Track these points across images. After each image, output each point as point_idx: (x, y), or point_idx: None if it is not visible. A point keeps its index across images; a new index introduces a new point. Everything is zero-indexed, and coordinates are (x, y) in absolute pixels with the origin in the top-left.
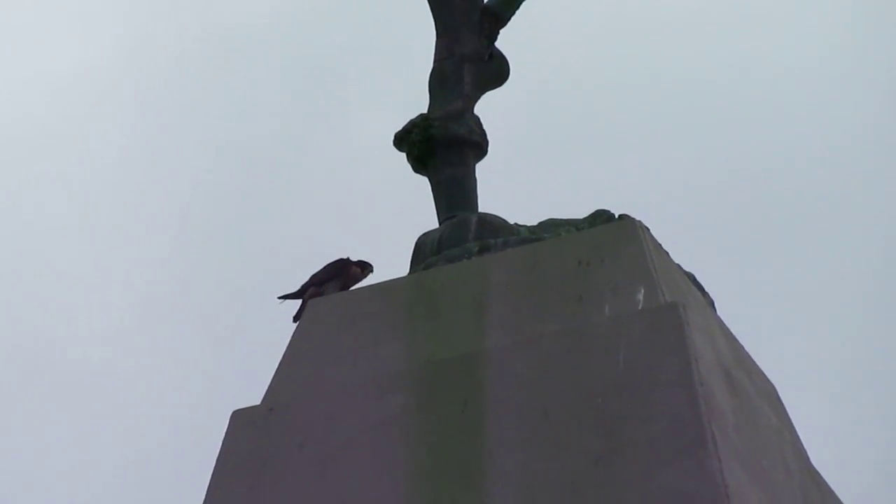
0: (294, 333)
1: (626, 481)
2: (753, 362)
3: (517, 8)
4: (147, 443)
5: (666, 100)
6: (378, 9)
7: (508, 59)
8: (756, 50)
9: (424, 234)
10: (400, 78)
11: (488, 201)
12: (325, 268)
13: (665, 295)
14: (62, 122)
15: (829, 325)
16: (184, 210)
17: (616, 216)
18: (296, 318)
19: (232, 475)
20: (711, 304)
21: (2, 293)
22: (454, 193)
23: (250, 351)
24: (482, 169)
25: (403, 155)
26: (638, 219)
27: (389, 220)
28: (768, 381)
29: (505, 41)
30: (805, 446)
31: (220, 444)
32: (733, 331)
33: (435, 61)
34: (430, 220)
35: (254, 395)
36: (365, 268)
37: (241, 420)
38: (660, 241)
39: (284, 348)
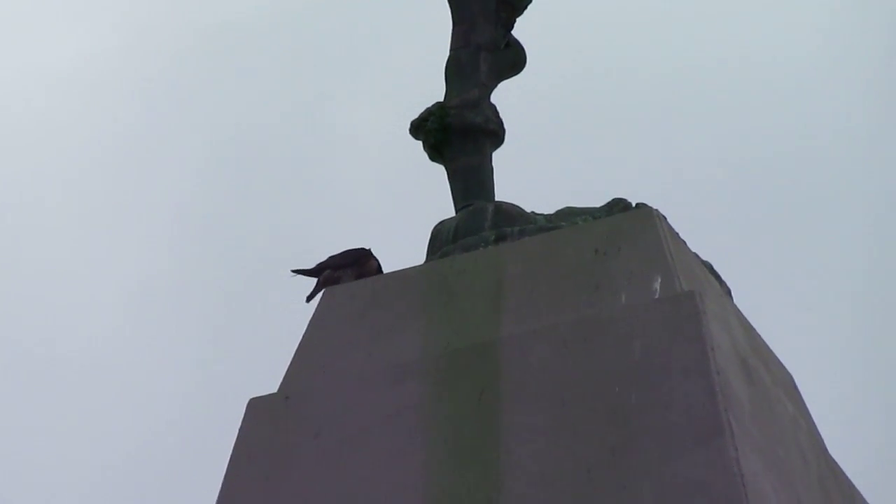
0: (310, 321)
1: (642, 470)
2: (770, 351)
3: None
4: (147, 439)
5: (686, 87)
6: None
7: (525, 47)
8: (773, 34)
9: (440, 223)
10: (399, 72)
11: (505, 190)
12: (344, 253)
13: (682, 284)
14: (59, 115)
15: (846, 315)
16: (182, 202)
17: (633, 205)
18: (309, 299)
19: (248, 464)
20: (728, 292)
21: None
22: (470, 182)
23: (251, 343)
24: (499, 157)
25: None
26: (655, 207)
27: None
28: (785, 369)
29: (521, 30)
30: (822, 435)
31: (237, 432)
32: (750, 320)
33: (451, 50)
34: (433, 212)
35: (252, 390)
36: (379, 272)
37: (258, 408)
38: (676, 229)
39: (300, 336)
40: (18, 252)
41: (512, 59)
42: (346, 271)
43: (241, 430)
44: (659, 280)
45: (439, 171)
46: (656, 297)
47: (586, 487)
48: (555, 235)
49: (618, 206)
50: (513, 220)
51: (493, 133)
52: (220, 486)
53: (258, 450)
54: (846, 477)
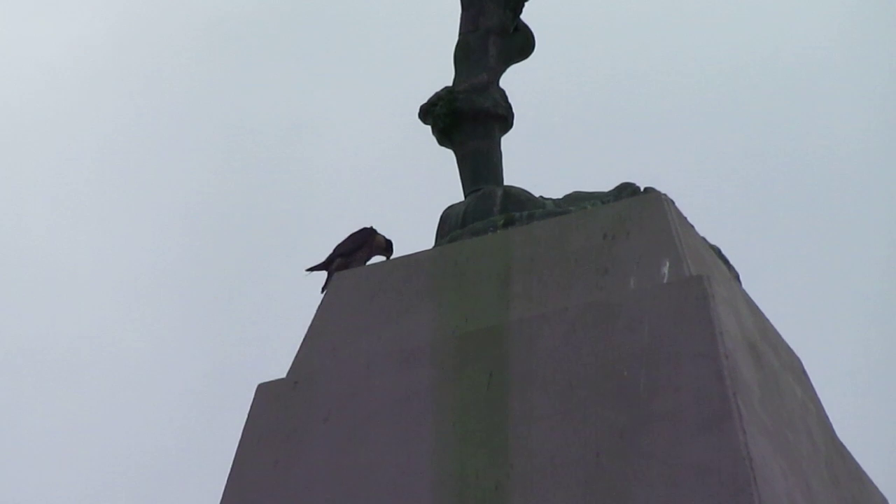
0: (319, 307)
1: (651, 454)
2: (778, 335)
3: None
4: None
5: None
6: None
7: (533, 31)
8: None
9: (450, 207)
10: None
11: (514, 174)
12: (349, 237)
13: (690, 268)
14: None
15: (854, 300)
16: (180, 198)
17: (641, 189)
18: (324, 289)
19: (257, 449)
20: (737, 277)
21: None
22: (479, 166)
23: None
24: (507, 142)
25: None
26: (663, 192)
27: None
28: (793, 354)
29: (529, 14)
30: (830, 419)
31: (246, 417)
32: (758, 304)
33: (460, 34)
34: (436, 199)
35: (261, 375)
36: (389, 247)
37: (267, 393)
38: (685, 214)
39: (309, 322)
40: (18, 248)
41: (521, 44)
42: (356, 255)
43: (250, 415)
44: (667, 264)
45: (441, 160)
46: (665, 281)
47: (595, 471)
48: (563, 220)
49: (626, 190)
50: (521, 204)
51: (502, 118)
52: (229, 471)
53: (267, 435)
54: (854, 460)
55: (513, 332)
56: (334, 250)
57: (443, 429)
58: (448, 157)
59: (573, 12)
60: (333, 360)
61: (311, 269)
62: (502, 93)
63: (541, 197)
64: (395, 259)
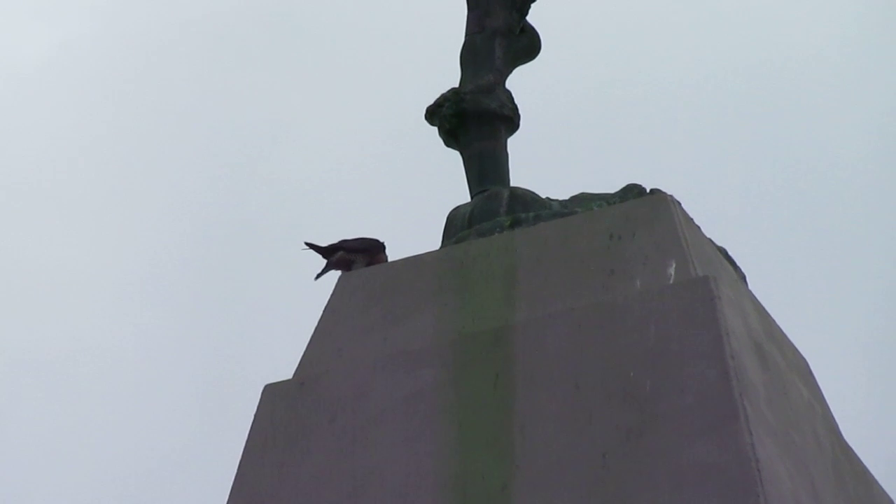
0: (325, 308)
1: (657, 455)
2: (785, 336)
3: None
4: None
5: (700, 79)
6: None
7: (540, 33)
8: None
9: (456, 208)
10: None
11: (520, 175)
12: (359, 238)
13: (696, 269)
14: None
15: (860, 301)
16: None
17: (648, 190)
18: (318, 277)
19: (263, 450)
20: (743, 278)
21: None
22: (486, 167)
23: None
24: (514, 143)
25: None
26: (669, 193)
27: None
28: (800, 355)
29: (535, 16)
30: (836, 420)
31: (252, 418)
32: (765, 305)
33: (466, 35)
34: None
35: (267, 376)
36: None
37: (273, 394)
38: (691, 215)
39: (315, 322)
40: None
41: (527, 45)
42: (359, 256)
43: (256, 416)
44: (674, 265)
45: (440, 161)
46: (671, 282)
47: (601, 472)
48: (570, 221)
49: (632, 191)
50: (528, 205)
51: (508, 119)
52: (235, 471)
53: (273, 436)
54: (861, 461)
55: (519, 333)
56: (339, 242)
57: (449, 429)
58: (441, 159)
59: (579, 14)
60: (339, 361)
61: (309, 246)
62: (509, 94)
63: (547, 198)
64: (401, 260)
